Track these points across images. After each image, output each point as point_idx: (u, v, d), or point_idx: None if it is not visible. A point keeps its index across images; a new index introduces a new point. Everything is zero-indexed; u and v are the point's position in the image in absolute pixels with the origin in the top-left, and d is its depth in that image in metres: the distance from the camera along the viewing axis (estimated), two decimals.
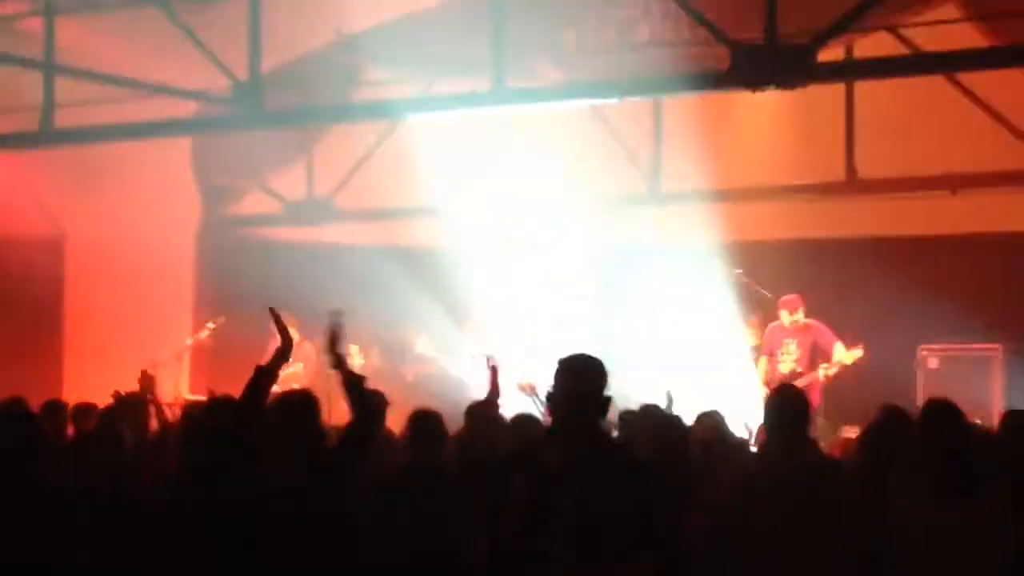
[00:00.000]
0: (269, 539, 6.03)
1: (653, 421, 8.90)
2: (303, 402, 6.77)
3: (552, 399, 5.90)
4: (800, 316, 15.71)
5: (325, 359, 7.06)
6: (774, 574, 6.18)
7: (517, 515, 5.76)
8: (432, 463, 7.90)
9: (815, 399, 14.35)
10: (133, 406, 9.89)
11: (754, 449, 9.85)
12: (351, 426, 6.74)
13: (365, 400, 6.82)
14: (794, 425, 6.49)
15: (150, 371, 11.17)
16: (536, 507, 5.70)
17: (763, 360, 15.92)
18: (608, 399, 5.85)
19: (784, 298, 15.91)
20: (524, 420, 9.27)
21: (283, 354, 7.06)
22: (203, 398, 11.27)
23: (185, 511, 6.04)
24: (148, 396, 10.94)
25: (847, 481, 6.84)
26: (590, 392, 5.82)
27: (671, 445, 8.33)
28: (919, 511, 6.43)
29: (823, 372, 15.37)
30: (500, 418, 9.61)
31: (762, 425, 8.03)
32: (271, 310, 7.44)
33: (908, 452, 7.53)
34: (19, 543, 6.36)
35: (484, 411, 9.48)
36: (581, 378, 5.84)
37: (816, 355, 15.62)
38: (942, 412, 6.77)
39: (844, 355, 15.32)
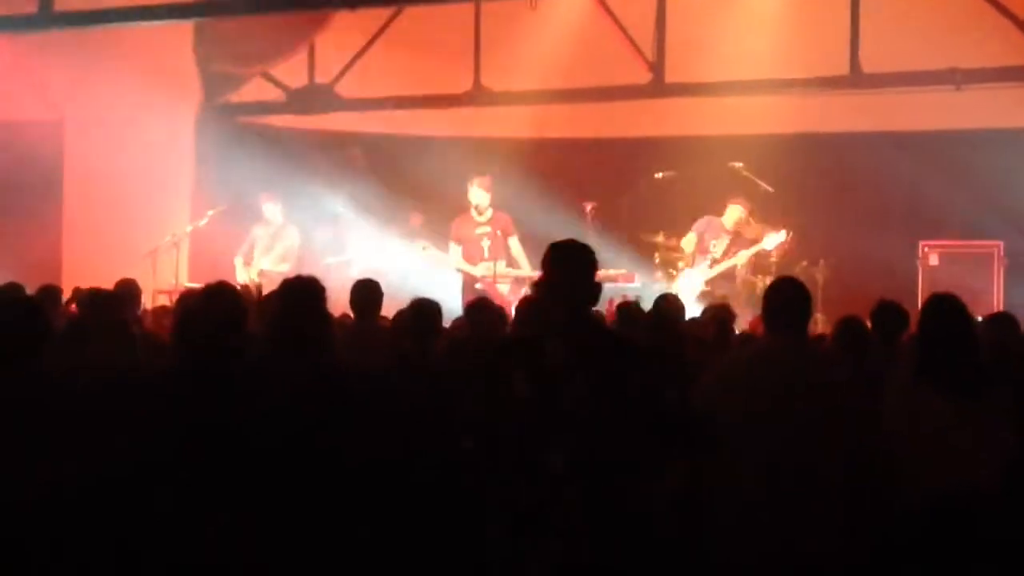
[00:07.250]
0: (261, 431, 5.86)
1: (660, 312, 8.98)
2: (306, 288, 6.46)
3: (545, 287, 5.73)
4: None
5: None
6: (779, 470, 6.12)
7: (517, 413, 5.60)
8: (426, 354, 7.83)
9: None
10: (129, 294, 9.81)
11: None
12: None
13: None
14: (798, 317, 6.41)
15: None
16: (537, 405, 5.54)
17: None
18: (599, 287, 5.74)
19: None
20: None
21: None
22: (200, 286, 11.22)
23: (179, 405, 5.84)
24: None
25: (851, 375, 6.80)
26: (585, 280, 5.68)
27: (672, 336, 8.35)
28: (924, 406, 6.39)
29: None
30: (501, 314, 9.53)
31: (758, 316, 7.99)
32: None
33: (908, 347, 7.52)
34: (23, 447, 5.86)
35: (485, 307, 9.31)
36: (576, 266, 5.69)
37: None
38: (946, 306, 6.71)
39: None
